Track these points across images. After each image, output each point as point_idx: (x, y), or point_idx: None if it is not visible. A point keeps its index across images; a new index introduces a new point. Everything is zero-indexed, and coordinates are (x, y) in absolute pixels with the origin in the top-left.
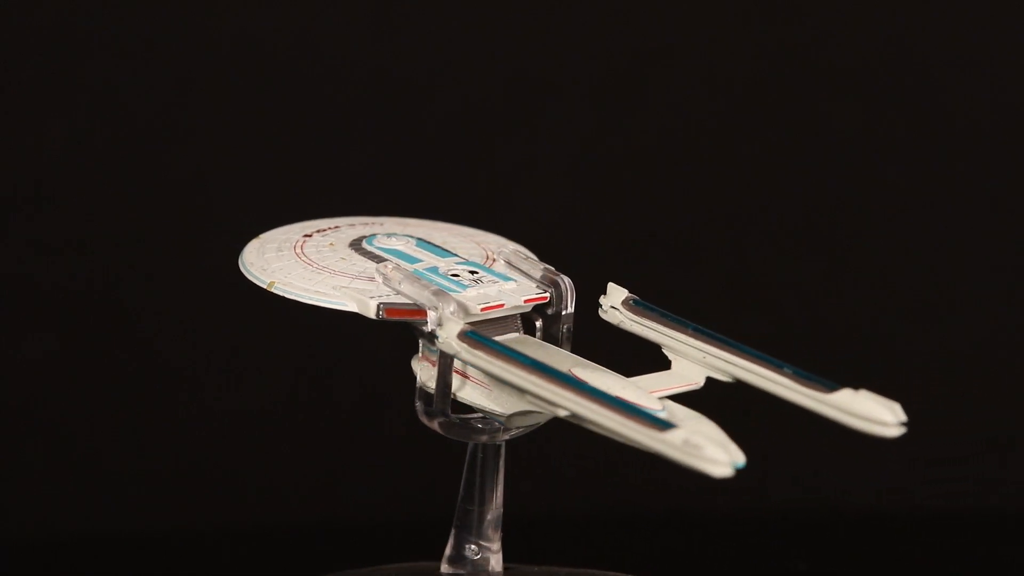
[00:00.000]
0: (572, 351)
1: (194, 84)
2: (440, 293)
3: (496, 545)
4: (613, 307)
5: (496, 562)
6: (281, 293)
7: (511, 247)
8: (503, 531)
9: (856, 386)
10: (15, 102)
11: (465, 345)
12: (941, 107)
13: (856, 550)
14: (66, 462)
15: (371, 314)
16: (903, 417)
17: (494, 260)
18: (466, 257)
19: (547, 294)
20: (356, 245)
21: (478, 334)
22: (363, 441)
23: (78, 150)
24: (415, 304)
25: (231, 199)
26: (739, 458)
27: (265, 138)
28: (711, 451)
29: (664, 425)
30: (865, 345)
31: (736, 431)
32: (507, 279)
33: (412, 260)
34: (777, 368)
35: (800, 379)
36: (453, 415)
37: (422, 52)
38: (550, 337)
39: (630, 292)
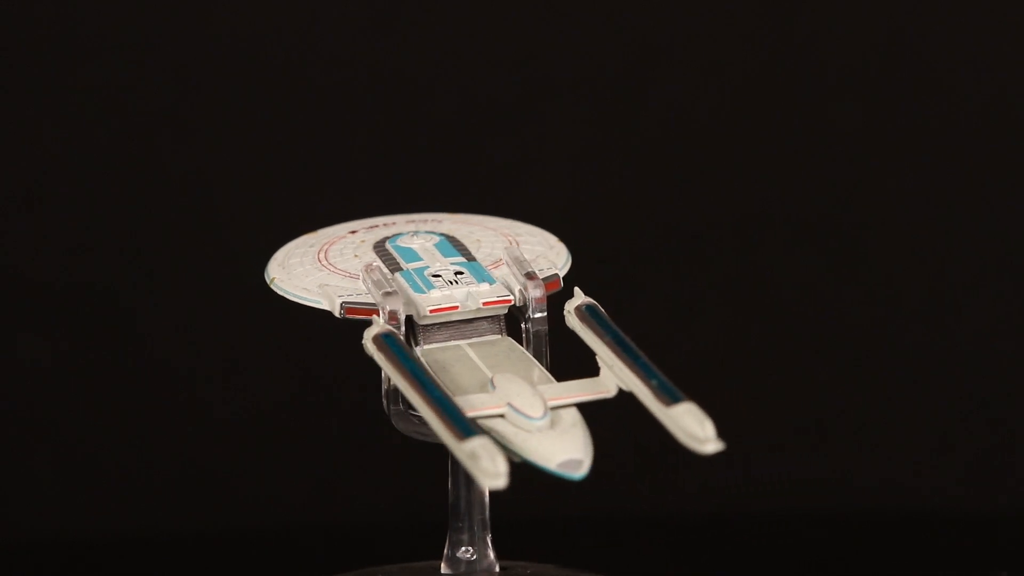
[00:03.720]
0: (560, 351)
1: (195, 83)
2: (390, 294)
3: (488, 545)
4: (569, 312)
5: (490, 562)
6: (276, 289)
7: (542, 247)
8: (498, 531)
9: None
10: (15, 102)
11: (375, 347)
12: (941, 107)
13: (856, 550)
14: (66, 463)
15: (336, 312)
16: (712, 434)
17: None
18: (479, 258)
19: (510, 298)
20: (379, 244)
21: (393, 338)
22: (363, 442)
23: (78, 150)
24: (375, 304)
25: (232, 199)
26: (570, 469)
27: (266, 137)
28: (485, 463)
29: (466, 434)
30: (865, 345)
31: (738, 432)
32: (484, 280)
33: (412, 259)
34: (646, 380)
35: (656, 391)
36: (413, 413)
37: (422, 52)
38: (533, 339)
39: (592, 297)
